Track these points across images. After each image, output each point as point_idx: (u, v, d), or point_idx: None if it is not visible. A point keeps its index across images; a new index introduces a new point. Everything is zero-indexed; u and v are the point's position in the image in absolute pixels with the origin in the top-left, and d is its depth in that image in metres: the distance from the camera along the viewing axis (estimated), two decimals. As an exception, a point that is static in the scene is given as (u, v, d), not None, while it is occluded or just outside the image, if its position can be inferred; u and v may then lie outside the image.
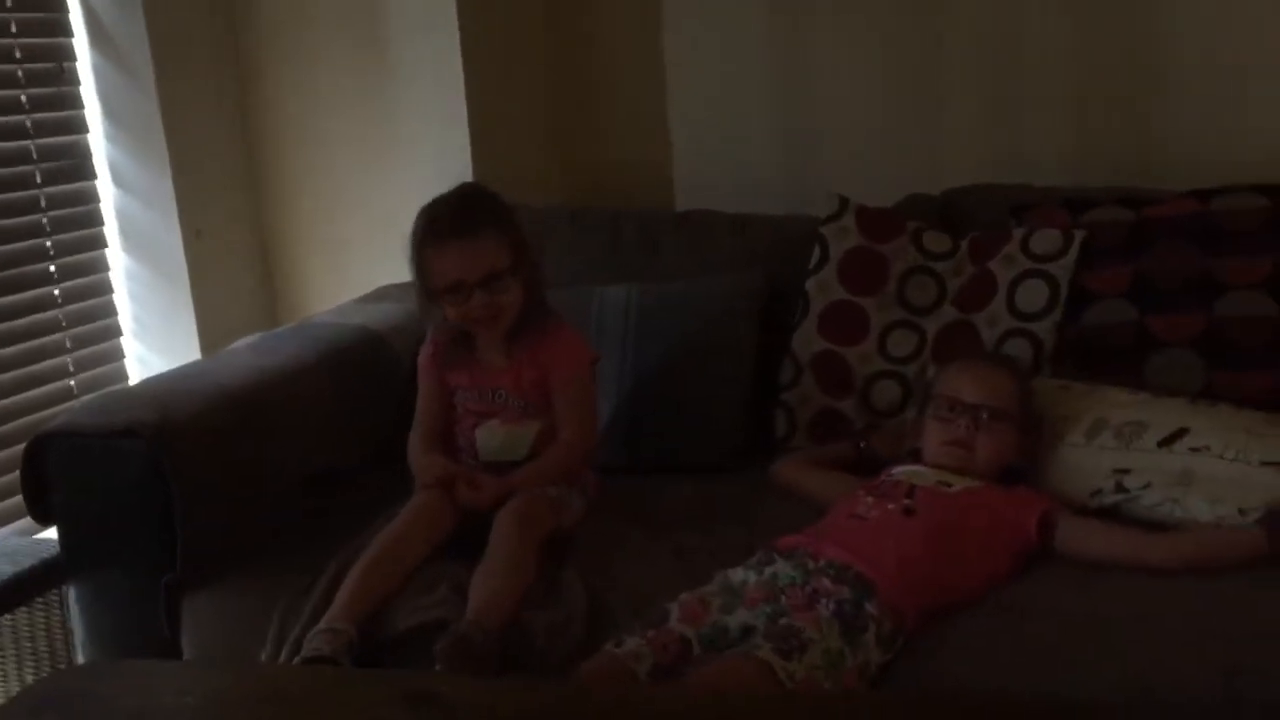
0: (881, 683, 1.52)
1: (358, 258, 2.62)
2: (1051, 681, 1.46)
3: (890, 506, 1.71)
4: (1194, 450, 1.75)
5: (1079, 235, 2.07)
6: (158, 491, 1.81)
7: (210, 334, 2.56)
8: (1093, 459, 1.81)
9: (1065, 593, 1.63)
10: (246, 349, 2.18)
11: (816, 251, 2.21)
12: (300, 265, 2.74)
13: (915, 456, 1.87)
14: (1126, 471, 1.78)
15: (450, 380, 1.96)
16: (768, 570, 1.63)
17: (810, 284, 2.20)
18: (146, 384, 2.11)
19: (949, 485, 1.77)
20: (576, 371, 1.93)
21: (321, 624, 1.66)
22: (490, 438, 1.92)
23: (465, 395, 1.96)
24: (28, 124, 2.38)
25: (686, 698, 1.37)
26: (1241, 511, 1.68)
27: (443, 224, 1.85)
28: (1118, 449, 1.80)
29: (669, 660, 1.52)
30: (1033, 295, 2.06)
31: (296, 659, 1.62)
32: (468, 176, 2.48)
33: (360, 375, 2.15)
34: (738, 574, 1.64)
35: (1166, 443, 1.77)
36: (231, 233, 2.67)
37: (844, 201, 2.23)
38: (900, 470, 1.83)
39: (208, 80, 2.61)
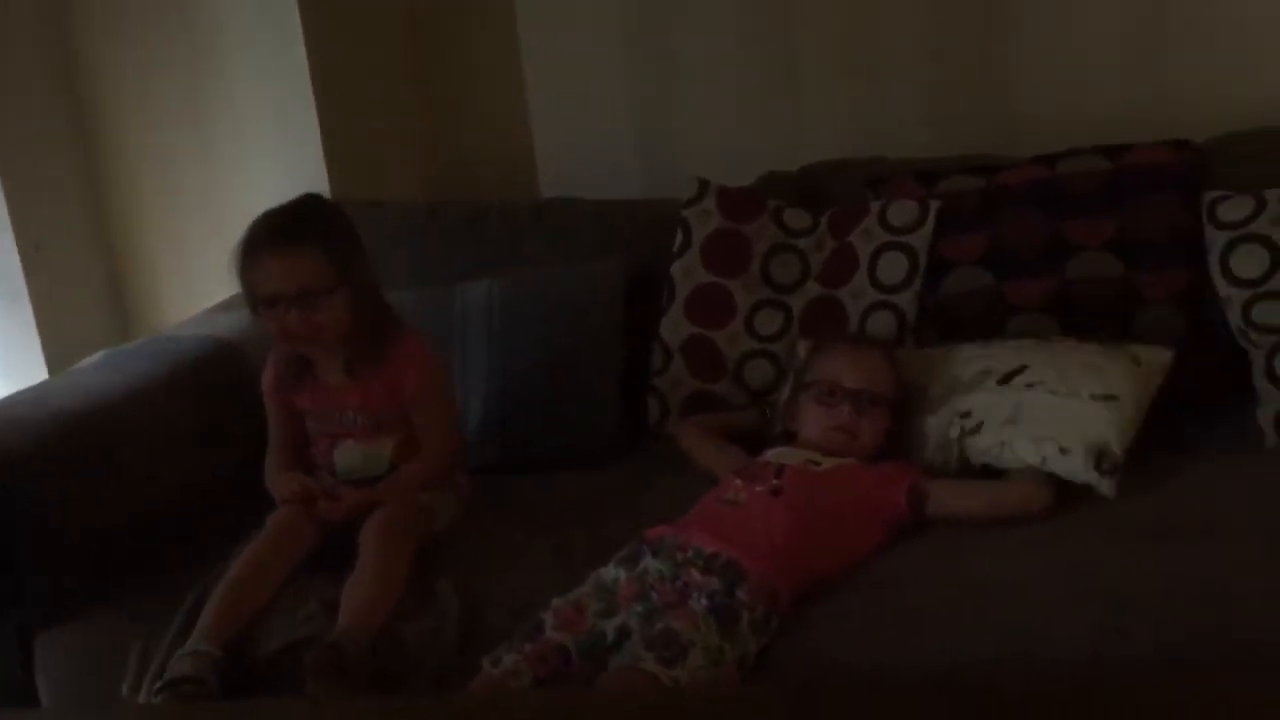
0: (760, 669, 1.52)
1: (209, 266, 2.50)
2: (926, 651, 1.48)
3: (759, 489, 1.71)
4: (1029, 386, 1.80)
5: (934, 205, 2.10)
6: (1, 526, 1.71)
7: (56, 353, 2.43)
8: (944, 411, 1.85)
9: (936, 561, 1.65)
10: (92, 368, 2.08)
11: (679, 235, 2.20)
12: (149, 276, 2.62)
13: (788, 438, 1.87)
14: (967, 414, 1.82)
15: (296, 403, 1.91)
16: (638, 566, 1.61)
17: (675, 268, 2.18)
18: (-15, 411, 1.99)
19: (817, 464, 1.78)
20: (426, 381, 1.88)
21: (185, 647, 1.60)
22: (347, 458, 1.88)
23: (313, 420, 1.91)
24: None
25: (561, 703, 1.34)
26: (1063, 450, 1.71)
27: (260, 237, 1.81)
28: (963, 395, 1.84)
29: (547, 673, 1.49)
30: (893, 267, 2.08)
31: (158, 684, 1.56)
32: (321, 177, 2.42)
33: (216, 389, 2.07)
34: (609, 572, 1.62)
35: (1005, 380, 1.82)
36: (73, 245, 2.54)
37: (704, 184, 2.23)
38: (771, 452, 1.84)
39: (37, 86, 2.47)
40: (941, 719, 1.11)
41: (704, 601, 1.52)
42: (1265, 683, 1.17)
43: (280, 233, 1.80)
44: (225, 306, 2.33)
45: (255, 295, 1.81)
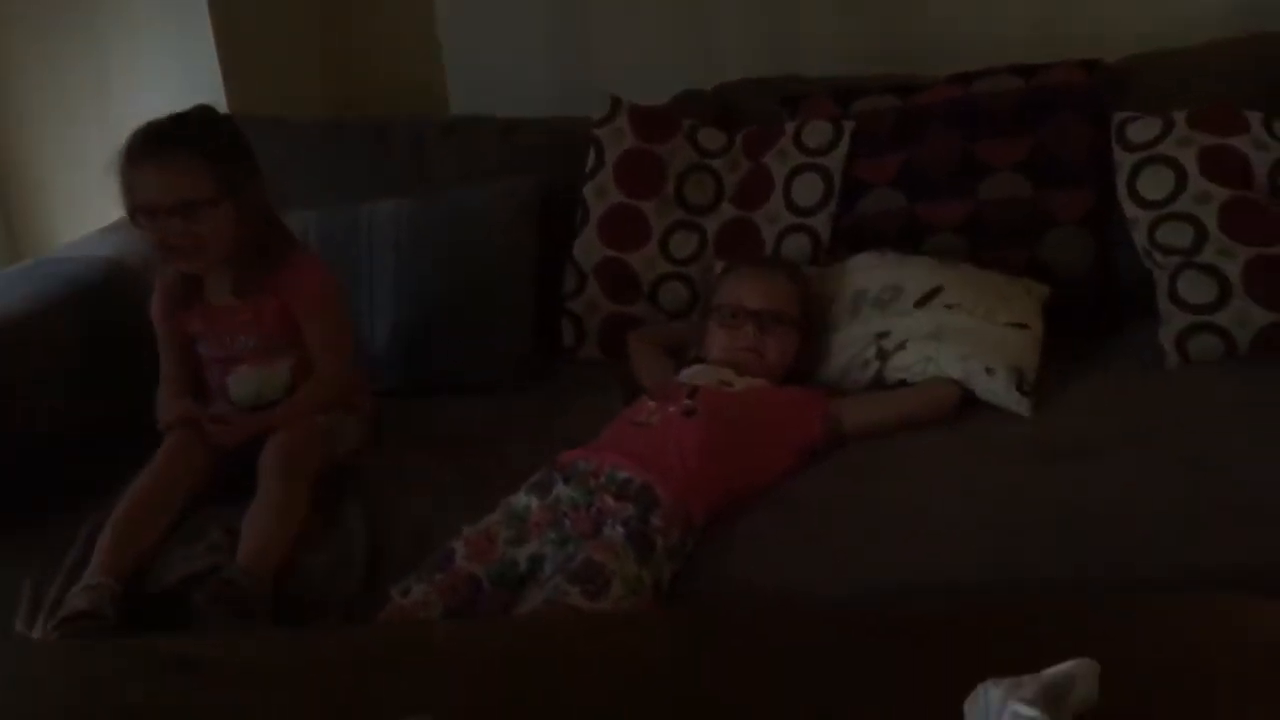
0: (674, 594, 1.51)
1: (104, 184, 2.41)
2: (835, 578, 1.47)
3: (671, 409, 1.70)
4: (948, 307, 1.83)
5: (848, 126, 2.08)
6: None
7: (-61, 277, 2.32)
8: (859, 329, 1.87)
9: (846, 483, 1.65)
10: (-25, 292, 1.98)
11: (591, 155, 2.15)
12: (38, 195, 2.51)
13: (699, 362, 1.86)
14: (886, 334, 1.84)
15: (186, 327, 1.85)
16: (550, 494, 1.59)
17: (587, 189, 2.14)
18: None
19: (730, 385, 1.77)
20: (318, 298, 1.83)
21: (81, 581, 1.55)
22: (242, 384, 1.82)
23: (205, 344, 1.85)
24: None
25: (469, 632, 1.33)
26: (988, 370, 1.75)
27: (139, 144, 1.74)
28: (879, 316, 1.86)
29: (459, 603, 1.47)
30: (808, 189, 2.07)
31: (53, 621, 1.51)
32: (218, 93, 2.32)
33: (108, 314, 1.98)
34: (520, 500, 1.60)
35: (922, 303, 1.85)
36: (-46, 165, 2.42)
37: (616, 101, 2.18)
38: (685, 373, 1.82)
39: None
40: (843, 646, 1.11)
41: (619, 529, 1.51)
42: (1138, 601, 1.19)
43: (159, 140, 1.73)
44: (119, 226, 2.23)
45: (134, 205, 1.75)
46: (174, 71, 2.33)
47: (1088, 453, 1.62)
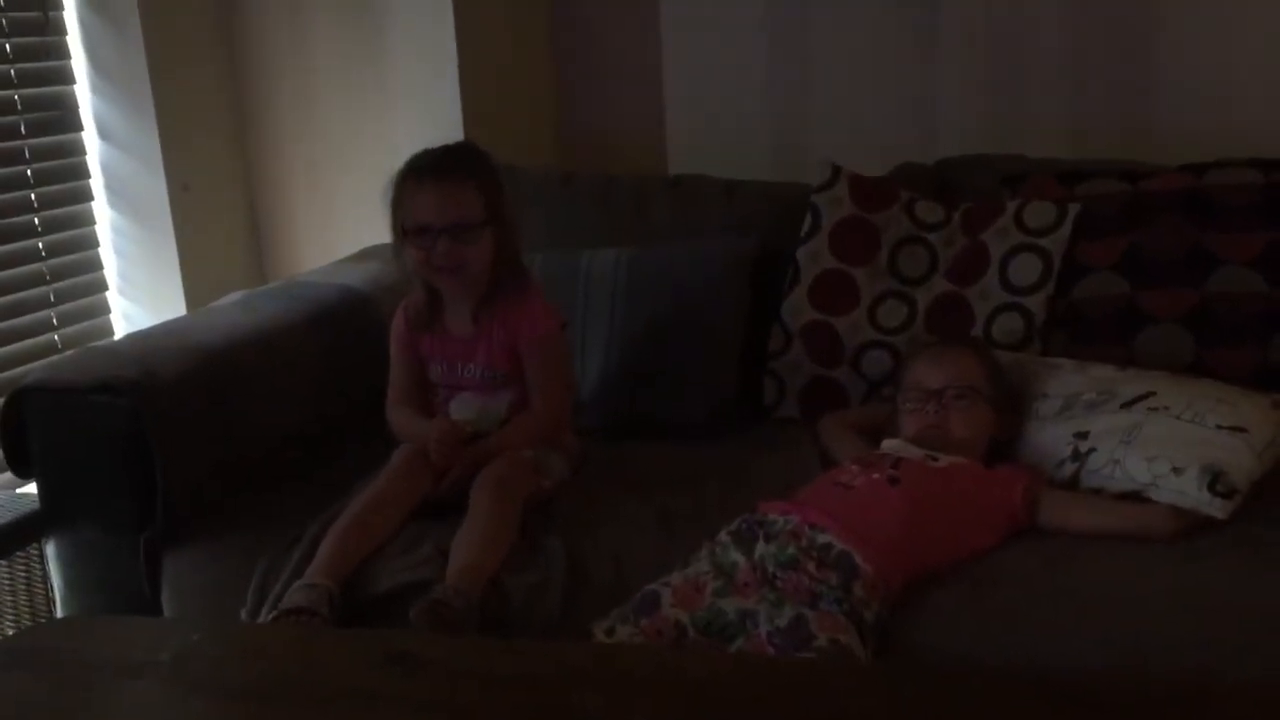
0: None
1: (345, 217, 2.60)
2: (1025, 651, 1.46)
3: (875, 476, 1.70)
4: (1152, 410, 1.72)
5: (1073, 209, 2.05)
6: (137, 448, 1.80)
7: (196, 290, 2.54)
8: (1061, 429, 1.80)
9: (1044, 564, 1.61)
10: (231, 306, 2.16)
11: (808, 219, 2.19)
12: (288, 222, 2.71)
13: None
14: (1085, 435, 1.76)
15: (421, 350, 1.96)
16: (755, 551, 1.60)
17: (801, 252, 2.18)
18: (129, 339, 2.09)
19: (935, 460, 1.76)
20: (543, 335, 1.92)
21: (302, 579, 1.65)
22: (464, 409, 1.92)
23: (435, 368, 1.96)
24: (12, 74, 2.34)
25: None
26: (1175, 469, 1.63)
27: (423, 165, 1.87)
28: (1083, 416, 1.78)
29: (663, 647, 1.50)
30: (1025, 269, 2.05)
31: (275, 611, 1.62)
32: (459, 136, 2.46)
33: (345, 335, 2.14)
34: (729, 554, 1.61)
35: (1129, 405, 1.76)
36: (219, 187, 2.64)
37: (836, 170, 2.21)
38: (888, 444, 1.83)
39: (195, 31, 2.57)
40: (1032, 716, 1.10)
41: (836, 605, 1.51)
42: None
43: (440, 164, 1.86)
44: (357, 258, 2.40)
45: (407, 224, 1.86)
46: (420, 121, 2.49)
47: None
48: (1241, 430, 1.67)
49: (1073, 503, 1.73)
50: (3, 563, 1.98)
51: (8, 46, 2.33)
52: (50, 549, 1.92)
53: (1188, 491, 1.63)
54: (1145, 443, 1.68)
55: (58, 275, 2.44)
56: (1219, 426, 1.67)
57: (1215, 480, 1.61)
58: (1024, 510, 1.70)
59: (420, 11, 2.48)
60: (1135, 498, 1.69)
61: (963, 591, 1.58)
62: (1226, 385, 1.79)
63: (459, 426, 1.86)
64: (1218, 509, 1.61)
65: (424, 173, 1.85)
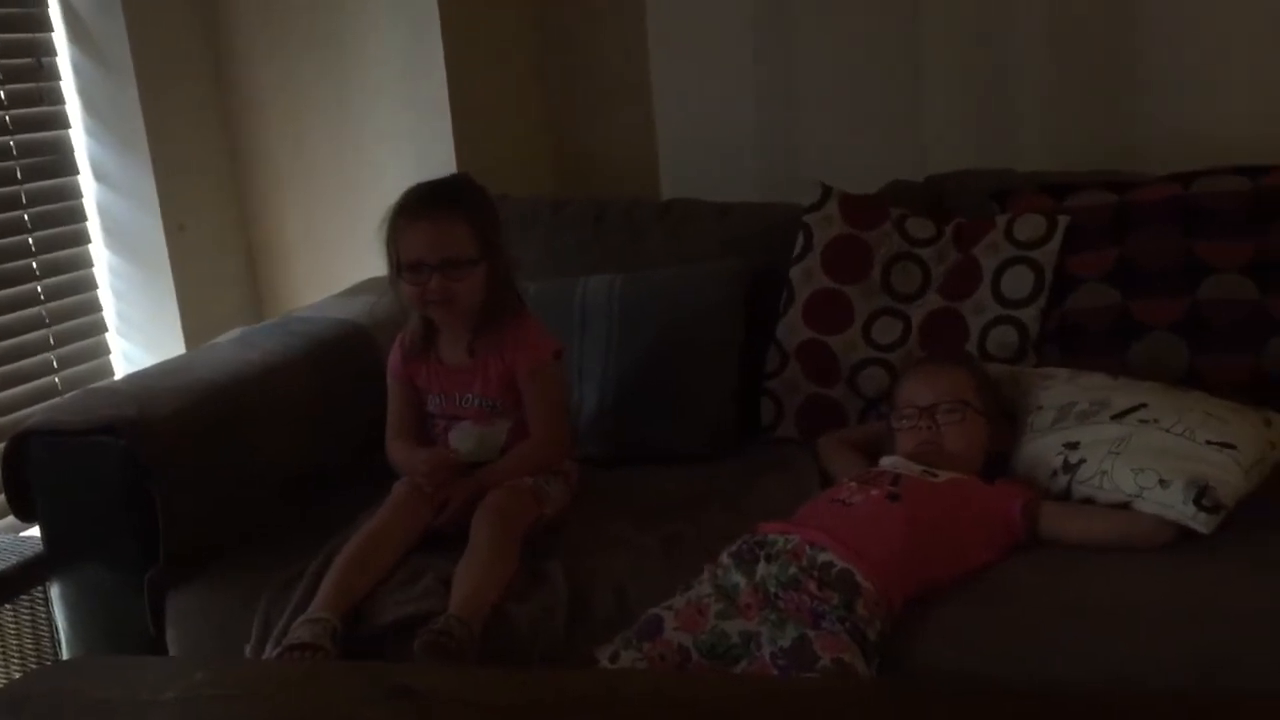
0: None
1: (341, 251, 2.61)
2: (1027, 665, 1.47)
3: (875, 493, 1.71)
4: (1143, 422, 1.72)
5: (1063, 220, 2.07)
6: (139, 488, 1.80)
7: (194, 328, 2.55)
8: (1052, 439, 1.79)
9: (1043, 578, 1.62)
10: (229, 344, 2.17)
11: (800, 239, 2.20)
12: (284, 259, 2.73)
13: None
14: (1075, 446, 1.75)
15: (417, 382, 1.97)
16: (756, 573, 1.60)
17: (794, 272, 2.19)
18: (128, 380, 2.10)
19: (934, 476, 1.76)
20: (539, 363, 1.93)
21: (306, 614, 1.66)
22: (464, 438, 1.93)
23: (433, 399, 1.97)
24: (6, 119, 2.37)
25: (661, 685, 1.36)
26: (1162, 482, 1.62)
27: (416, 202, 1.88)
28: (1075, 426, 1.78)
29: (667, 671, 1.50)
30: (1017, 282, 2.06)
31: (279, 647, 1.62)
32: (451, 168, 2.48)
33: (343, 370, 2.14)
34: (730, 576, 1.62)
35: (1119, 416, 1.75)
36: (214, 227, 2.66)
37: (827, 189, 2.23)
38: (886, 461, 1.83)
39: (188, 74, 2.60)
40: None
41: (839, 625, 1.51)
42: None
43: (433, 200, 1.88)
44: (353, 292, 2.42)
45: (401, 259, 1.88)
46: (412, 154, 2.51)
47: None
48: (1230, 447, 1.66)
49: (1069, 514, 1.73)
50: (8, 606, 1.99)
51: (2, 93, 2.36)
52: (55, 591, 1.93)
53: (1173, 504, 1.62)
54: (1133, 454, 1.68)
55: (57, 318, 2.46)
56: (1208, 442, 1.66)
57: (1201, 494, 1.60)
58: (1024, 525, 1.71)
59: (410, 47, 2.50)
60: (1123, 509, 1.69)
61: (966, 607, 1.58)
62: (1219, 400, 1.78)
63: (450, 454, 1.87)
64: (1201, 523, 1.60)
65: (417, 209, 1.87)
